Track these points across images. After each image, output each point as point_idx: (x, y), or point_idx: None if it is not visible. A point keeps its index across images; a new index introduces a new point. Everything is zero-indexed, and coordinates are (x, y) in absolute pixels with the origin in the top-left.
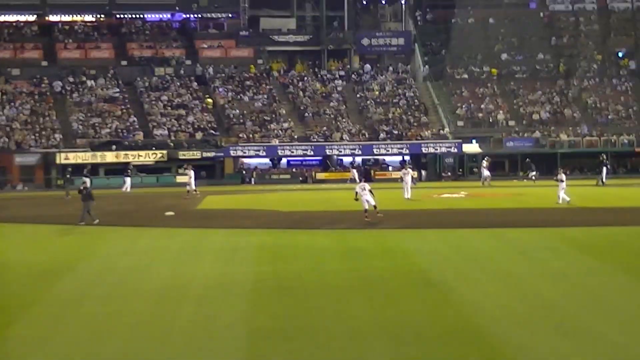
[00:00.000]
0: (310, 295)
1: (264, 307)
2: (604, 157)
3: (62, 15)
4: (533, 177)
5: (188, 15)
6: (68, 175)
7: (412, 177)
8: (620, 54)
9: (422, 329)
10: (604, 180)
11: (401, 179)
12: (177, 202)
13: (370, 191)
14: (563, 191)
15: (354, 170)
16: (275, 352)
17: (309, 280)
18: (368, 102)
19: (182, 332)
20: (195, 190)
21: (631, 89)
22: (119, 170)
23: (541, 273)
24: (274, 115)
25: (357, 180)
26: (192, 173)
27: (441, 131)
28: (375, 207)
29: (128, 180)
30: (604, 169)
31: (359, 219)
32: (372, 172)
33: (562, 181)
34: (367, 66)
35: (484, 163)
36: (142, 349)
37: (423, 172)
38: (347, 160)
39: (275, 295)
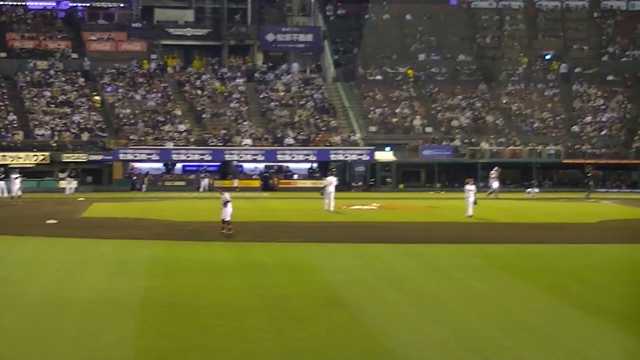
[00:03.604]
0: (205, 314)
1: (154, 325)
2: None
3: None
4: (532, 191)
5: (75, 4)
6: None
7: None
8: (547, 57)
9: (328, 352)
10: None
11: (323, 191)
12: (60, 208)
13: (225, 204)
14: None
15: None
16: None
17: (205, 298)
18: (272, 103)
19: (64, 352)
20: (19, 197)
21: (559, 95)
22: None
23: (460, 294)
24: (168, 116)
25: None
26: (18, 178)
27: (352, 137)
28: (224, 222)
29: (1, 184)
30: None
31: (261, 231)
32: (274, 180)
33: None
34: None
35: (493, 173)
36: None
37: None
38: (248, 166)
39: (167, 312)
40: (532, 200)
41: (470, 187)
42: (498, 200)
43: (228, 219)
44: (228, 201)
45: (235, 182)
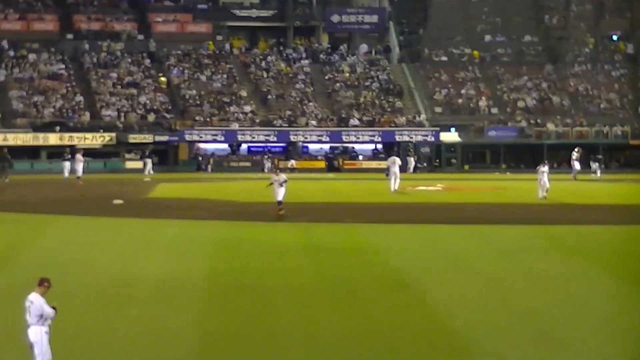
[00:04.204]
0: (269, 297)
1: (218, 308)
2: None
3: None
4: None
5: None
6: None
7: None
8: (614, 37)
9: (391, 334)
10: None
11: (387, 170)
12: (126, 189)
13: (281, 184)
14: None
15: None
16: (228, 358)
17: (269, 279)
18: (337, 84)
19: (128, 333)
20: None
21: (625, 76)
22: (62, 154)
23: (523, 275)
24: (233, 97)
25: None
26: (81, 158)
27: (417, 118)
28: (279, 202)
29: (67, 164)
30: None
31: (325, 211)
32: (339, 161)
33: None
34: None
35: (574, 154)
36: (83, 352)
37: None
38: (313, 147)
39: (231, 295)
40: (598, 181)
41: (544, 169)
42: (575, 182)
43: (280, 199)
44: (284, 182)
45: (291, 163)
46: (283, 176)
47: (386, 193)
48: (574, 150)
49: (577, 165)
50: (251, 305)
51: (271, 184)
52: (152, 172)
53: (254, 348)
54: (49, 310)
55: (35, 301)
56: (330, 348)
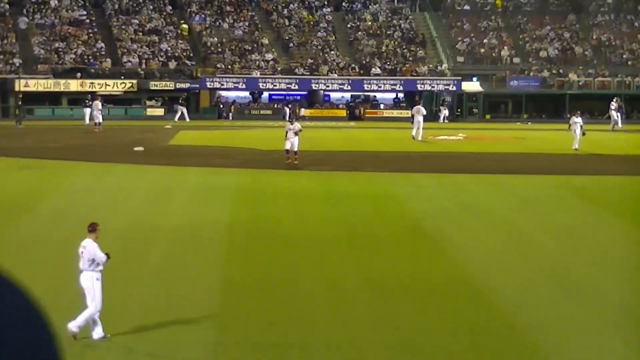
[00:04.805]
0: (289, 243)
1: (239, 254)
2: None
3: None
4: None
5: None
6: (20, 103)
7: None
8: None
9: (411, 283)
10: (619, 124)
11: (412, 118)
12: (147, 136)
13: (296, 133)
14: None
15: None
16: (249, 304)
17: (289, 227)
18: (359, 33)
19: (148, 278)
20: (98, 124)
21: None
22: (83, 100)
23: (545, 226)
24: (255, 45)
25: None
26: (99, 105)
27: (439, 67)
28: (295, 152)
29: (88, 111)
30: (617, 113)
31: (345, 160)
32: (361, 109)
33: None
34: None
35: (613, 104)
36: (107, 291)
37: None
38: (334, 96)
39: (252, 242)
40: (619, 132)
41: (577, 119)
42: (611, 133)
43: (296, 149)
44: (299, 130)
45: (302, 112)
46: (298, 125)
47: (407, 142)
48: (612, 100)
49: (615, 116)
50: (272, 253)
51: (286, 132)
52: (187, 119)
53: (275, 295)
54: (101, 256)
55: (89, 246)
56: (350, 296)
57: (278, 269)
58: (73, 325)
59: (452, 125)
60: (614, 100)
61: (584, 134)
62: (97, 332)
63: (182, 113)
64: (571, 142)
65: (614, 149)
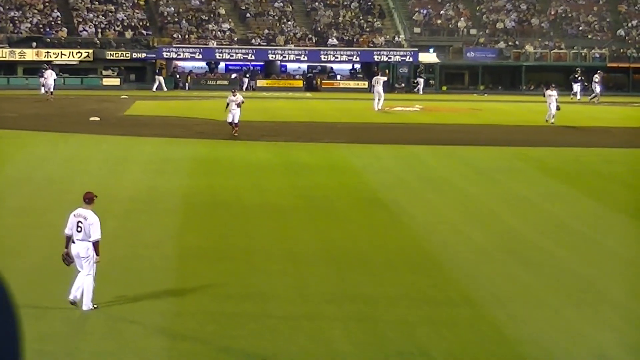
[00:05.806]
0: (247, 213)
1: (196, 224)
2: (578, 71)
3: None
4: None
5: None
6: None
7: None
8: None
9: (368, 253)
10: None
11: (372, 88)
12: (103, 106)
13: (239, 105)
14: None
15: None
16: (206, 273)
17: (246, 197)
18: (316, 3)
19: (105, 248)
20: (50, 93)
21: None
22: (39, 70)
23: (501, 196)
24: (212, 15)
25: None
26: (51, 74)
27: (396, 38)
28: (236, 124)
29: (42, 80)
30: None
31: (302, 131)
32: (317, 80)
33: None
34: None
35: (596, 77)
36: (59, 263)
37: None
38: (291, 66)
39: (209, 211)
40: (577, 103)
41: (551, 92)
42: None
43: (237, 121)
44: (241, 102)
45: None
46: (240, 97)
47: (364, 113)
48: (595, 73)
49: (597, 89)
50: (229, 222)
51: (227, 104)
52: (165, 89)
53: (232, 263)
54: (98, 236)
55: (90, 217)
56: (307, 267)
57: (235, 239)
58: (86, 305)
59: (409, 96)
60: (597, 72)
61: (558, 108)
62: (86, 304)
63: (159, 83)
64: (545, 115)
65: (569, 121)
